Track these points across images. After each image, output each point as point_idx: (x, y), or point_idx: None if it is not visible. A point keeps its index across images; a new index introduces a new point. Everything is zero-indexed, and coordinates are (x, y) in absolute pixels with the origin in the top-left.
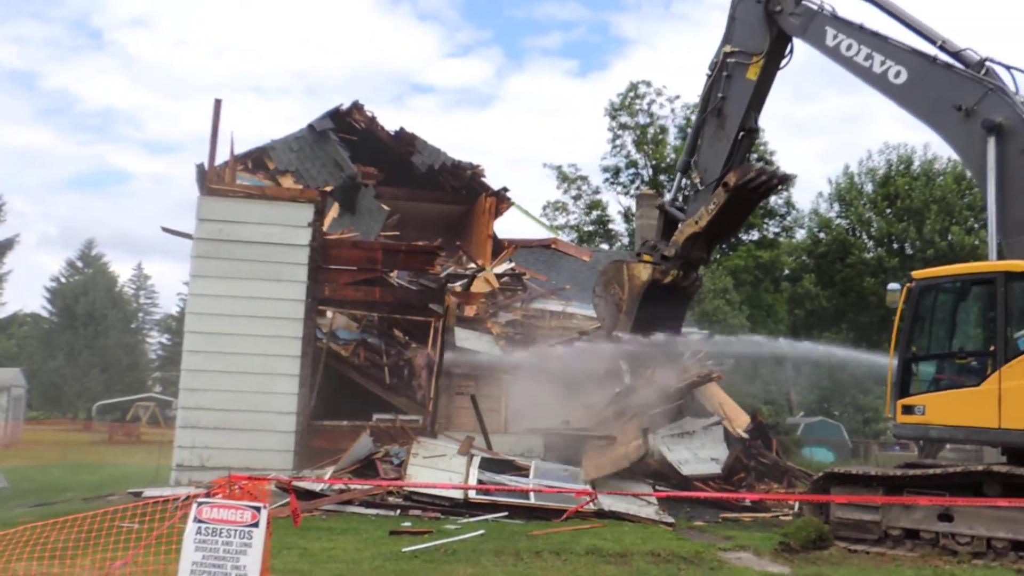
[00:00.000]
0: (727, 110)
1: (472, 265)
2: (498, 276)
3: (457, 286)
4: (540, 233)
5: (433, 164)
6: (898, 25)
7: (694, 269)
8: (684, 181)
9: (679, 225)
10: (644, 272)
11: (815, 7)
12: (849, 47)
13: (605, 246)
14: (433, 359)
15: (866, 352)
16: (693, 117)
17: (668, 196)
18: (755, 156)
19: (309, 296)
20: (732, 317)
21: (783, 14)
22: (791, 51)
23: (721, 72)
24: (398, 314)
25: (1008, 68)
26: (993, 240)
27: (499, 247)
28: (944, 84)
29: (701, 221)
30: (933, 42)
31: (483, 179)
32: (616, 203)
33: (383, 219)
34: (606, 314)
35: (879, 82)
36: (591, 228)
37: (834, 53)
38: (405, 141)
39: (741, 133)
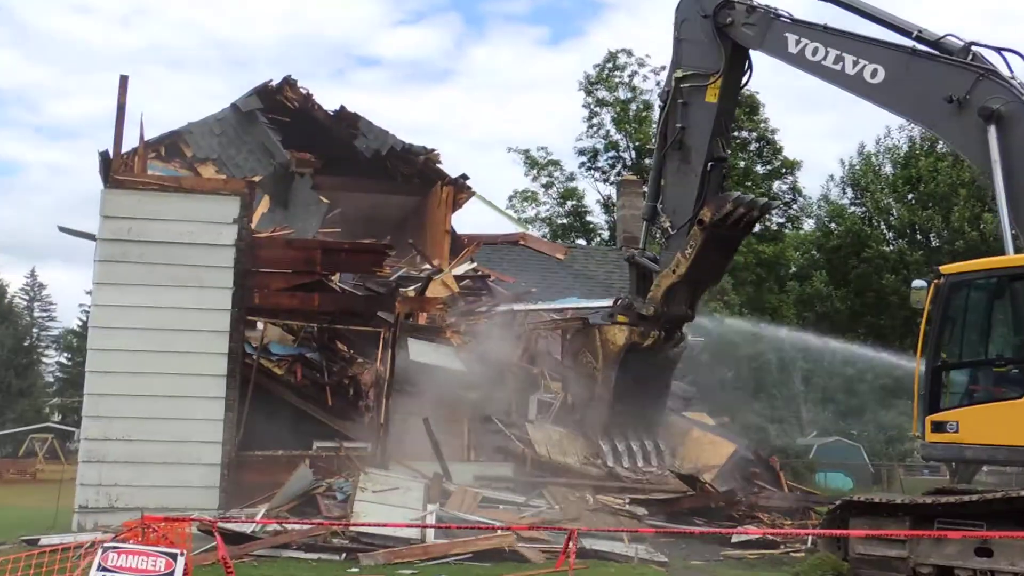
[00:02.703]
0: (689, 141)
1: (427, 266)
2: (458, 278)
3: (410, 290)
4: (506, 227)
5: (380, 149)
6: (865, 22)
7: (677, 328)
8: (653, 230)
9: (654, 278)
10: (620, 335)
11: (771, 14)
12: (815, 51)
13: (582, 241)
14: (383, 376)
15: (888, 354)
16: (650, 157)
17: (637, 248)
18: (754, 136)
19: (235, 305)
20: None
21: (735, 26)
22: (750, 65)
23: (676, 100)
24: (341, 324)
25: (998, 50)
26: (1008, 234)
27: (459, 244)
28: (928, 76)
29: (679, 269)
30: (908, 33)
31: (439, 165)
32: (594, 191)
33: (322, 213)
34: (578, 387)
35: (854, 84)
36: (565, 221)
37: (799, 60)
38: (347, 122)
39: (709, 164)
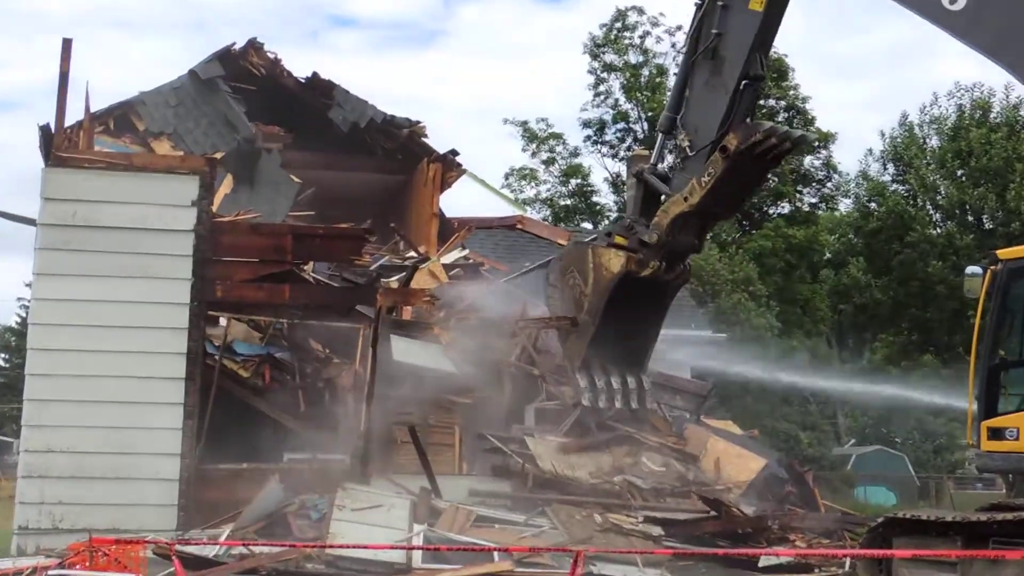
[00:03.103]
0: (724, 51)
1: (412, 254)
2: (447, 267)
3: (393, 281)
4: (502, 209)
5: (358, 121)
6: None
7: (681, 260)
8: (669, 145)
9: (663, 201)
10: (616, 261)
11: None
12: None
13: (588, 224)
14: (363, 378)
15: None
16: (679, 60)
17: (647, 164)
18: (783, 104)
19: (195, 299)
20: (757, 316)
21: None
22: None
23: (715, 2)
24: (315, 320)
25: None
26: None
27: (448, 229)
28: (1015, 7)
29: (692, 197)
30: None
31: (425, 140)
32: (601, 168)
33: (292, 194)
34: (562, 310)
35: (930, 10)
36: (569, 202)
37: None
38: (320, 91)
39: (743, 82)
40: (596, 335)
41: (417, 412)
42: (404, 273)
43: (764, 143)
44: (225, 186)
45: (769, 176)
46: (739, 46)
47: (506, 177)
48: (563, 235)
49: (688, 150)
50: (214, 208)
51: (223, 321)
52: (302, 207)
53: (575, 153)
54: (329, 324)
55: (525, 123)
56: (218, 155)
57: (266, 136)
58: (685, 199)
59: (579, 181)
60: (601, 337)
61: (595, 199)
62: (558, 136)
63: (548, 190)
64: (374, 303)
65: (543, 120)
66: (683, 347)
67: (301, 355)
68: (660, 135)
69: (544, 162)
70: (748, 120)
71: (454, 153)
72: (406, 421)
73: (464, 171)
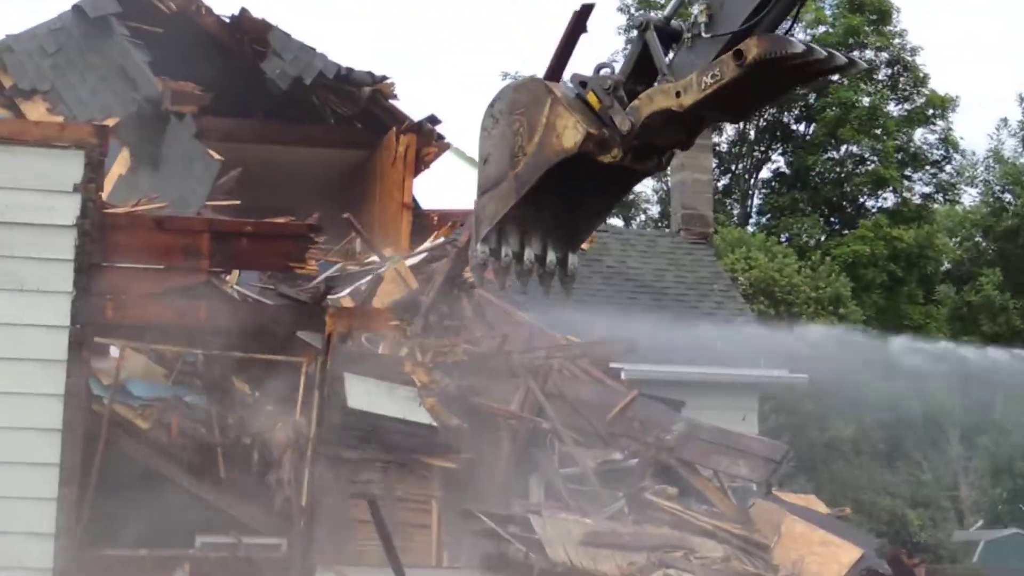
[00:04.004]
0: None
1: (374, 258)
2: (419, 268)
3: (346, 296)
4: None
5: (302, 75)
6: None
7: (659, 153)
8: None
9: (656, 82)
10: (571, 134)
11: None
12: None
13: (617, 221)
14: (305, 433)
15: None
16: None
17: (659, 14)
18: (884, 57)
19: (77, 320)
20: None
21: None
22: None
23: None
24: (241, 351)
25: None
26: None
27: (424, 224)
28: None
29: (685, 96)
30: None
31: (393, 102)
32: None
33: (212, 176)
34: (493, 159)
35: None
36: None
37: None
38: (251, 35)
39: None
40: (521, 202)
41: (380, 480)
42: (363, 283)
43: (793, 59)
44: (120, 164)
45: (864, 154)
46: None
47: None
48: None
49: (703, 28)
50: (104, 195)
51: (115, 351)
52: (225, 194)
53: None
54: (260, 357)
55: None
56: (111, 121)
57: (176, 96)
58: (677, 94)
59: None
60: (527, 203)
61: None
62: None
63: None
64: (322, 328)
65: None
66: (748, 393)
67: (221, 399)
68: None
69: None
70: (787, 25)
71: (433, 121)
72: (365, 492)
73: (448, 146)
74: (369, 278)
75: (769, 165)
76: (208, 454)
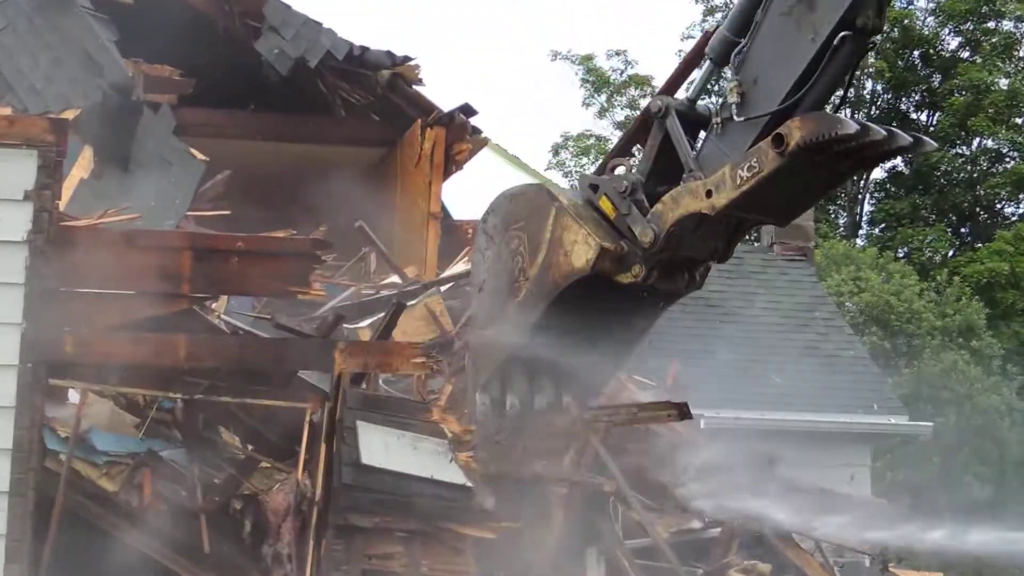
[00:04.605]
0: None
1: (395, 279)
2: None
3: (364, 326)
4: None
5: (305, 57)
6: None
7: (690, 268)
8: (717, 84)
9: (683, 180)
10: (582, 250)
11: None
12: None
13: None
14: (310, 496)
15: None
16: None
17: (680, 98)
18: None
19: (28, 357)
20: (986, 391)
21: None
22: None
23: None
24: (230, 396)
25: None
26: None
27: (456, 238)
28: None
29: (718, 195)
30: None
31: (418, 88)
32: None
33: (195, 181)
34: (490, 288)
35: None
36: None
37: None
38: (241, 7)
39: (842, 33)
40: (527, 339)
41: (402, 554)
42: (384, 315)
43: (846, 143)
44: (81, 166)
45: (1002, 149)
46: None
47: (555, 151)
48: None
49: (735, 110)
50: (62, 204)
51: (75, 395)
52: (210, 202)
53: None
54: (254, 403)
55: (589, 59)
56: (70, 114)
57: (151, 83)
58: (708, 194)
59: None
60: (534, 340)
61: None
62: (644, 81)
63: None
64: (330, 367)
65: (619, 54)
66: (859, 445)
67: (205, 455)
68: (709, 61)
69: (621, 125)
70: (839, 100)
71: (467, 111)
72: (384, 570)
73: (484, 141)
74: (389, 306)
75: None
76: (189, 522)
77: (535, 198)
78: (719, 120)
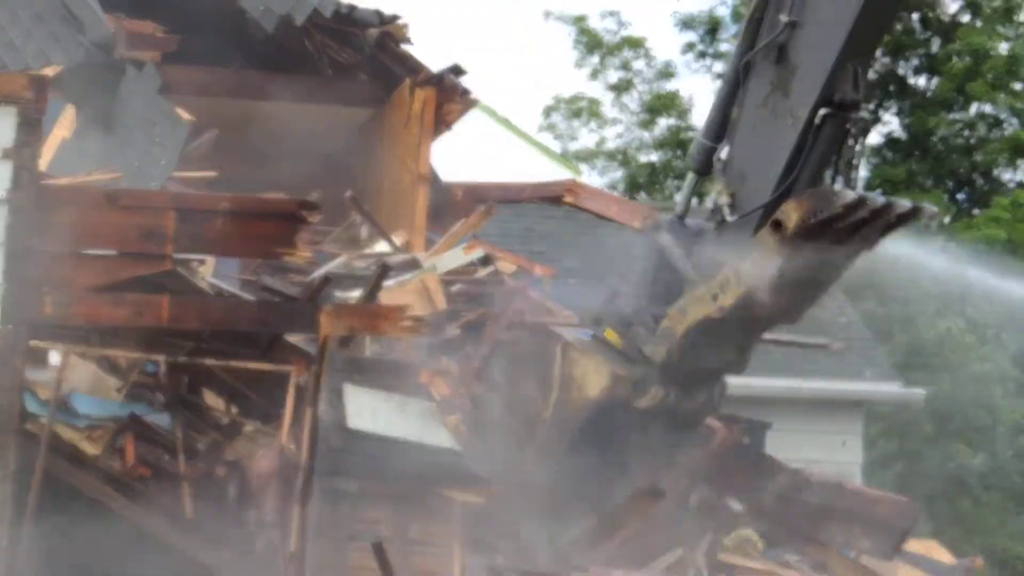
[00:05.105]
0: (797, 54)
1: (383, 245)
2: (447, 278)
3: (352, 295)
4: (540, 171)
5: (292, 14)
6: None
7: (707, 385)
8: (703, 193)
9: (684, 292)
10: (595, 380)
11: None
12: None
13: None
14: (294, 459)
15: None
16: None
17: (671, 214)
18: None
19: (8, 318)
20: (978, 358)
21: None
22: None
23: None
24: (214, 359)
25: None
26: None
27: (446, 203)
28: None
29: (724, 296)
30: None
31: (407, 48)
32: (711, 90)
33: (180, 140)
34: (500, 429)
35: None
36: (655, 156)
37: None
38: None
39: (823, 111)
40: (550, 488)
41: (389, 518)
42: (368, 280)
43: (847, 219)
44: (63, 125)
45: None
46: (822, 46)
47: (547, 113)
48: (642, 213)
49: (727, 212)
50: (44, 164)
51: (55, 358)
52: (196, 162)
53: (666, 72)
54: (238, 366)
55: (581, 20)
56: (50, 71)
57: (135, 39)
58: (714, 297)
59: (674, 119)
60: (562, 489)
61: None
62: (638, 43)
63: (620, 135)
64: (316, 330)
65: (612, 14)
66: (850, 412)
67: (189, 419)
68: (690, 174)
69: (614, 87)
70: (830, 175)
71: (457, 71)
72: (370, 535)
73: (474, 102)
74: (373, 272)
75: (880, 128)
76: (172, 487)
77: (540, 339)
78: (713, 225)
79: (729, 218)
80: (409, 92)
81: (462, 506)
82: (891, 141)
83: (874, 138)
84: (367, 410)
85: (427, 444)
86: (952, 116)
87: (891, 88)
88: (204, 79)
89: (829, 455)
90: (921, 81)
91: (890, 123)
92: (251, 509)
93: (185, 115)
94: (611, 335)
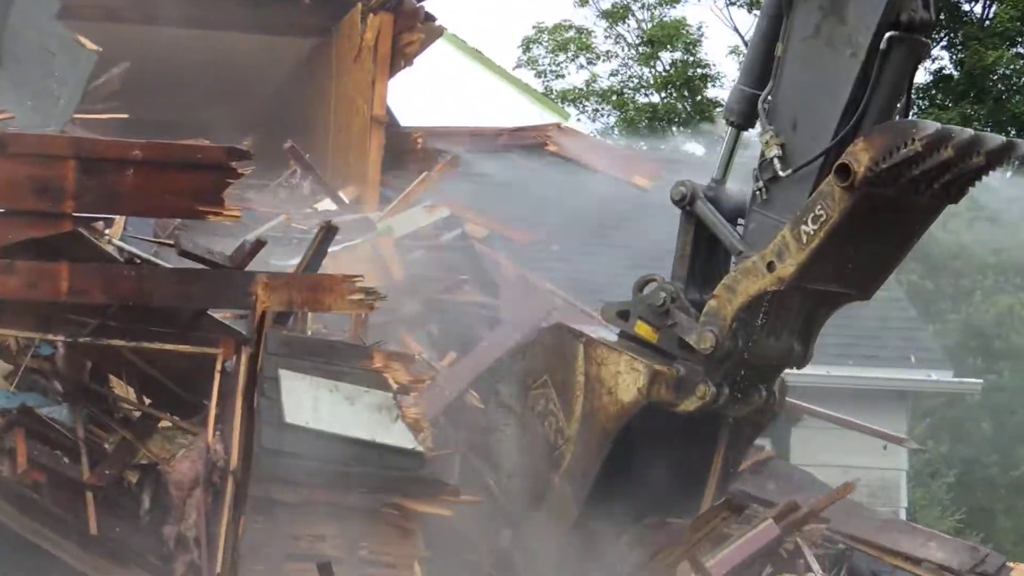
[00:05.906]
0: None
1: (327, 203)
2: (406, 243)
3: (290, 263)
4: (518, 112)
5: None
6: None
7: (769, 378)
8: (750, 149)
9: (732, 266)
10: (630, 380)
11: None
12: None
13: (696, 147)
14: (221, 463)
15: None
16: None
17: (709, 181)
18: None
19: None
20: None
21: None
22: None
23: None
24: (124, 337)
25: None
26: None
27: (405, 150)
28: None
29: (783, 265)
30: None
31: None
32: (720, 26)
33: (84, 76)
34: (520, 470)
35: None
36: (657, 97)
37: None
38: None
39: (889, 34)
40: (584, 512)
41: (336, 535)
42: (313, 244)
43: (928, 160)
44: None
45: None
46: None
47: (526, 46)
48: (638, 167)
49: (778, 166)
50: None
51: None
52: (103, 101)
53: None
54: (153, 348)
55: None
56: None
57: None
58: (770, 266)
59: (678, 54)
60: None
61: (709, 91)
62: None
63: (614, 71)
64: (250, 304)
65: None
66: (892, 405)
67: (92, 413)
68: (730, 127)
69: (608, 14)
70: (897, 113)
71: None
72: (313, 553)
73: (440, 30)
74: (318, 231)
75: (928, 64)
76: (73, 495)
77: (553, 341)
78: (761, 185)
79: (781, 173)
80: (360, 18)
81: (426, 519)
82: (941, 79)
83: (920, 75)
84: (308, 401)
85: (382, 443)
86: (1014, 50)
87: (941, 17)
88: (113, 4)
89: (869, 460)
90: (978, 8)
91: (940, 57)
92: (169, 523)
93: (90, 44)
94: (643, 328)
